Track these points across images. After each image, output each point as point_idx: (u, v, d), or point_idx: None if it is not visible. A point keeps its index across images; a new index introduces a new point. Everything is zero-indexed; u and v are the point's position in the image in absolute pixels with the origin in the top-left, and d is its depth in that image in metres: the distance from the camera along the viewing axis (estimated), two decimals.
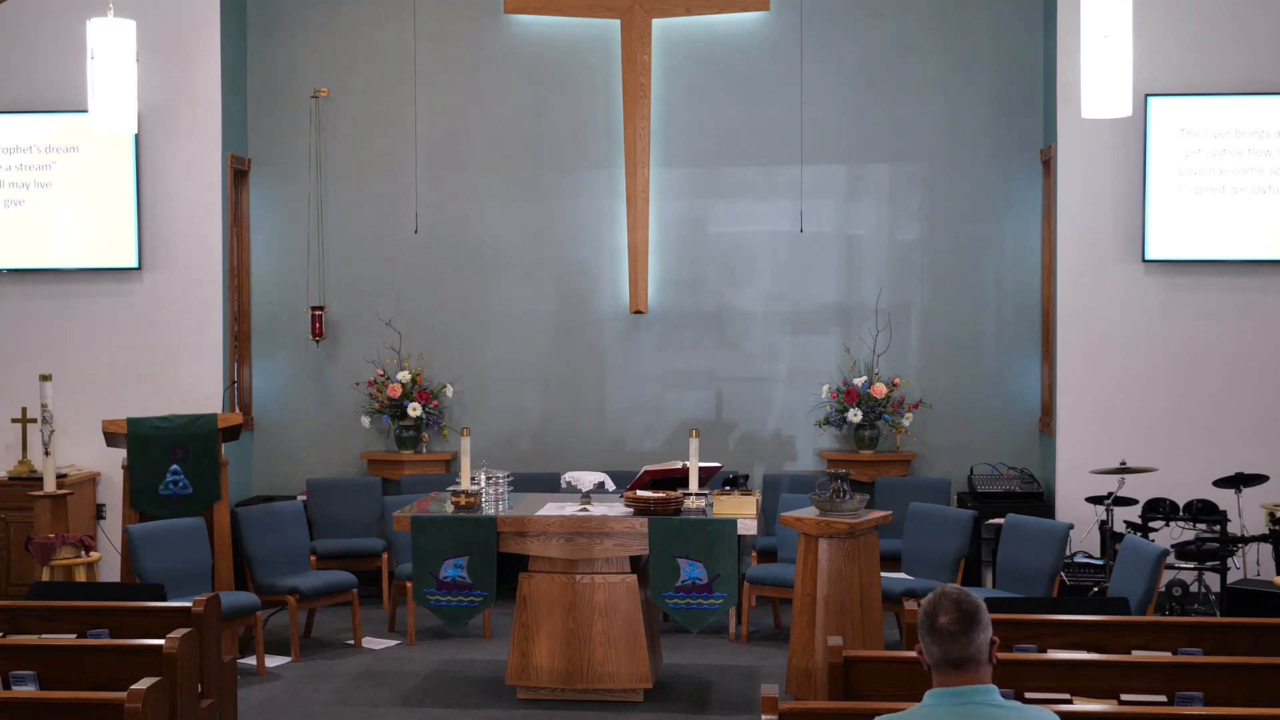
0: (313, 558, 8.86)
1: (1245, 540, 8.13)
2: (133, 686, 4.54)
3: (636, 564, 7.21)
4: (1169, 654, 5.27)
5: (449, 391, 10.04)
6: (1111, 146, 9.19)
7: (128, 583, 7.58)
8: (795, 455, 10.02)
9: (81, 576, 7.77)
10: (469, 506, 7.26)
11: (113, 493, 9.32)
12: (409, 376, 9.91)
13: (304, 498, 9.47)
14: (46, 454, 8.09)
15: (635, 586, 7.10)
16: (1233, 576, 8.13)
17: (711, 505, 7.29)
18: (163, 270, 9.67)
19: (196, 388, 9.56)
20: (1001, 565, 7.87)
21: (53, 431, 8.12)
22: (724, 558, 7.04)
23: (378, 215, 10.19)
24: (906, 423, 9.77)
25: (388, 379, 9.95)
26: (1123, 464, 8.34)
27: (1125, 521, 8.37)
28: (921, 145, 9.97)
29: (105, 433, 8.22)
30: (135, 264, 9.61)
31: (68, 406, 9.06)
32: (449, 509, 7.28)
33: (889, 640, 7.80)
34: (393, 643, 8.43)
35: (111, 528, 9.30)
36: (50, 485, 8.07)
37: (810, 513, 7.20)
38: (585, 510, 7.31)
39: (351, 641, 8.40)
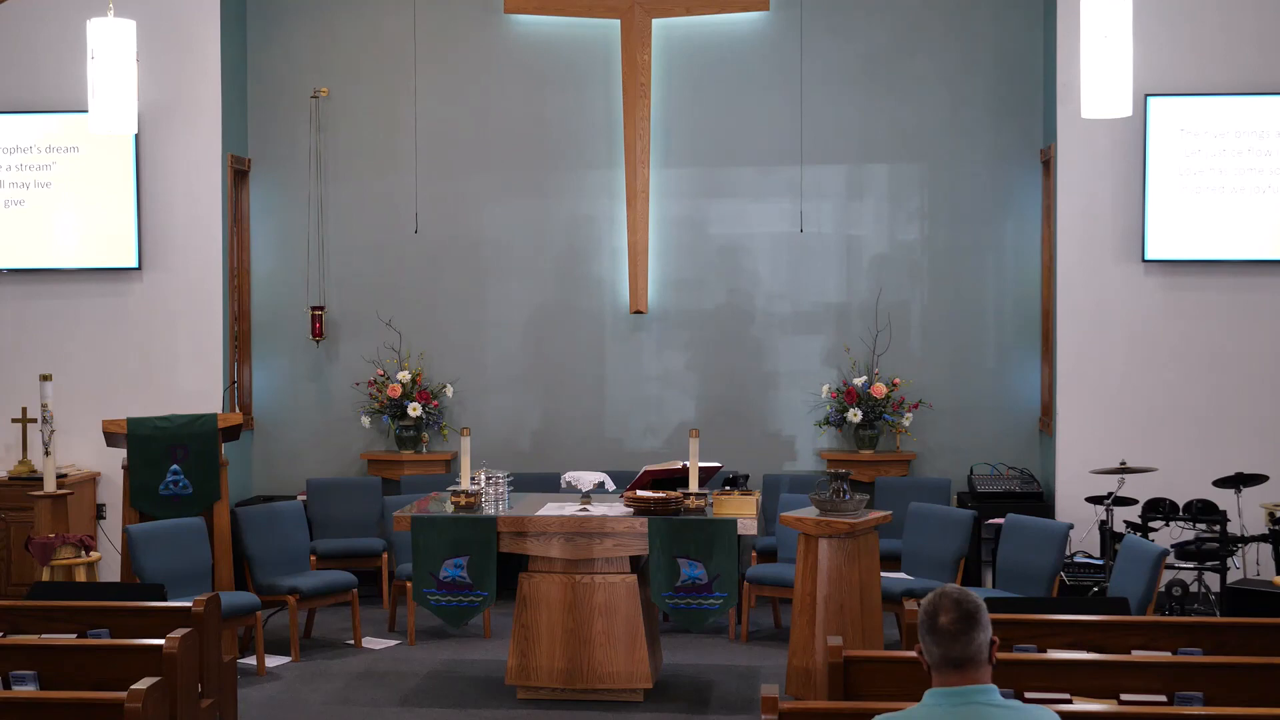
0: (313, 558, 8.86)
1: (1245, 540, 8.13)
2: (133, 686, 4.55)
3: (636, 564, 7.21)
4: (1169, 654, 5.27)
5: (449, 391, 10.04)
6: (1111, 146, 9.19)
7: (128, 583, 7.58)
8: (795, 455, 10.02)
9: (81, 576, 7.77)
10: (469, 506, 7.26)
11: (113, 493, 9.33)
12: (409, 376, 9.91)
13: (304, 498, 9.47)
14: (46, 454, 8.09)
15: (635, 586, 7.10)
16: (1232, 576, 8.13)
17: (711, 505, 7.28)
18: (163, 270, 9.67)
19: (196, 388, 9.56)
20: (1001, 565, 7.88)
21: (53, 431, 8.11)
22: (724, 558, 7.04)
23: (378, 215, 10.19)
24: (906, 423, 9.77)
25: (388, 379, 9.96)
26: (1123, 464, 8.34)
27: (1125, 521, 8.37)
28: (921, 145, 9.97)
29: (105, 433, 8.22)
30: (135, 264, 9.61)
31: (68, 406, 9.06)
32: (449, 509, 7.28)
33: (889, 640, 7.80)
34: (393, 643, 8.43)
35: (111, 528, 9.30)
36: (50, 485, 8.06)
37: (810, 513, 7.20)
38: (585, 510, 7.31)
39: (351, 641, 8.40)
